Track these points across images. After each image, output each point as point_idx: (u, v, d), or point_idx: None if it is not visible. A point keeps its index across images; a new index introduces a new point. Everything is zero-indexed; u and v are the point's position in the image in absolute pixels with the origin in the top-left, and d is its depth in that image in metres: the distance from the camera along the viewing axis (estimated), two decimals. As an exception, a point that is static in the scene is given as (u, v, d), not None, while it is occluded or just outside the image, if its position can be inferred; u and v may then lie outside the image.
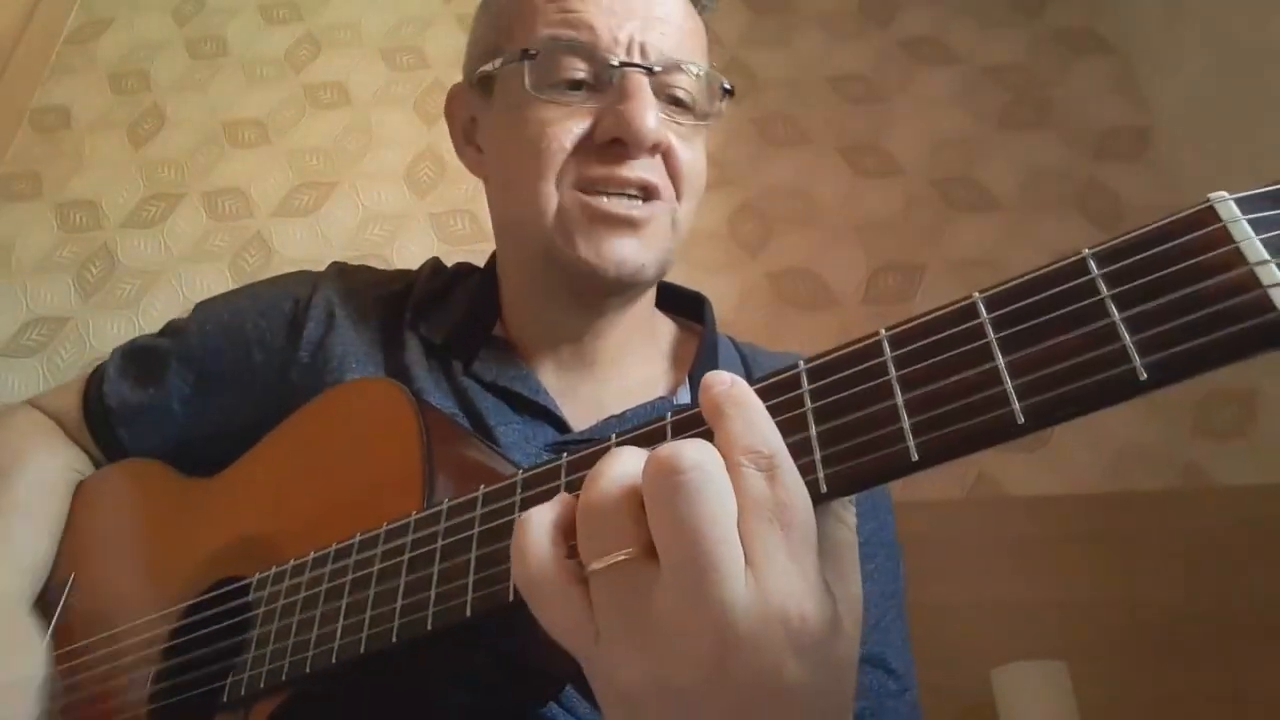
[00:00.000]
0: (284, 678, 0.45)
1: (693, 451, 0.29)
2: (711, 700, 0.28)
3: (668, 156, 0.63)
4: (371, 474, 0.50)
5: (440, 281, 0.75)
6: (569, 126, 0.61)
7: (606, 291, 0.65)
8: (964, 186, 1.48)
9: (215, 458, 0.63)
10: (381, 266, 0.80)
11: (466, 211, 1.52)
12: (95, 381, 0.73)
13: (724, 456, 0.30)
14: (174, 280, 1.49)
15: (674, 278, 0.79)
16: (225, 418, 0.68)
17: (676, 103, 0.64)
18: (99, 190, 1.58)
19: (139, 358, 0.73)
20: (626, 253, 0.61)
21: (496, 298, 0.72)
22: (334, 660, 0.43)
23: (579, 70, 0.62)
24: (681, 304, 0.78)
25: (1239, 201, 0.25)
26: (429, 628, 0.39)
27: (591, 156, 0.61)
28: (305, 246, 1.51)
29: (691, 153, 0.65)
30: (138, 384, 0.72)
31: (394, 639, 0.41)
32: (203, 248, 1.52)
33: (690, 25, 0.66)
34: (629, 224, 0.61)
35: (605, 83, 0.61)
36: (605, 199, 0.61)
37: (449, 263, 0.80)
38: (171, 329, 0.75)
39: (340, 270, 0.75)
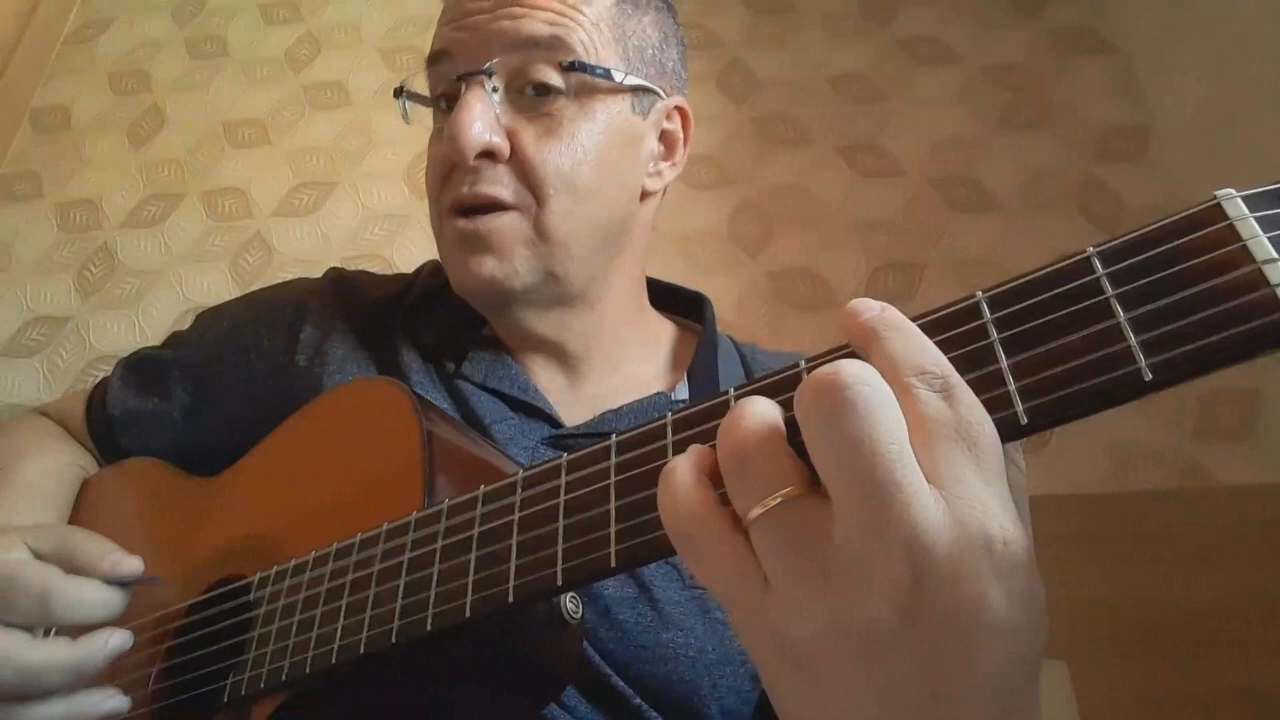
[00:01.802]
0: (284, 678, 0.45)
1: (854, 367, 0.26)
2: (905, 640, 0.25)
3: (516, 159, 0.59)
4: (373, 473, 0.50)
5: (438, 281, 0.75)
6: (437, 154, 0.62)
7: (498, 305, 0.64)
8: (964, 186, 1.48)
9: (217, 465, 0.63)
10: (381, 266, 0.80)
11: (466, 211, 1.52)
12: (99, 392, 0.74)
13: (888, 380, 0.27)
14: (174, 280, 1.49)
15: (673, 278, 0.79)
16: (227, 426, 0.68)
17: (545, 89, 0.60)
18: (99, 190, 1.58)
19: (142, 368, 0.74)
20: (483, 270, 0.60)
21: None
22: (334, 661, 0.43)
23: (440, 88, 0.62)
24: (682, 304, 0.78)
25: (1246, 199, 0.25)
26: (429, 628, 0.39)
27: (453, 179, 0.61)
28: (305, 246, 1.51)
29: (551, 147, 0.59)
30: (141, 394, 0.72)
31: (393, 640, 0.40)
32: (203, 248, 1.52)
33: None
34: (475, 240, 0.60)
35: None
36: (459, 221, 0.60)
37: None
38: (174, 340, 0.76)
39: (338, 275, 0.75)
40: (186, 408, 0.71)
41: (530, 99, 0.60)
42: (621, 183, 0.65)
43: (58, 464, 0.70)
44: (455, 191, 0.60)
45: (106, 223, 1.55)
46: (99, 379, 0.77)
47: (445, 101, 0.62)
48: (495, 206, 0.59)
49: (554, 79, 0.60)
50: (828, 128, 1.55)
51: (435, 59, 0.62)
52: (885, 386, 0.27)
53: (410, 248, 1.49)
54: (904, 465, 0.25)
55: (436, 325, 0.69)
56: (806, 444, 0.27)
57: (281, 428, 0.60)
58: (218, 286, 1.47)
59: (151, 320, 1.45)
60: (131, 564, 0.51)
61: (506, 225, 0.59)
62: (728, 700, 0.57)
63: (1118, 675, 1.09)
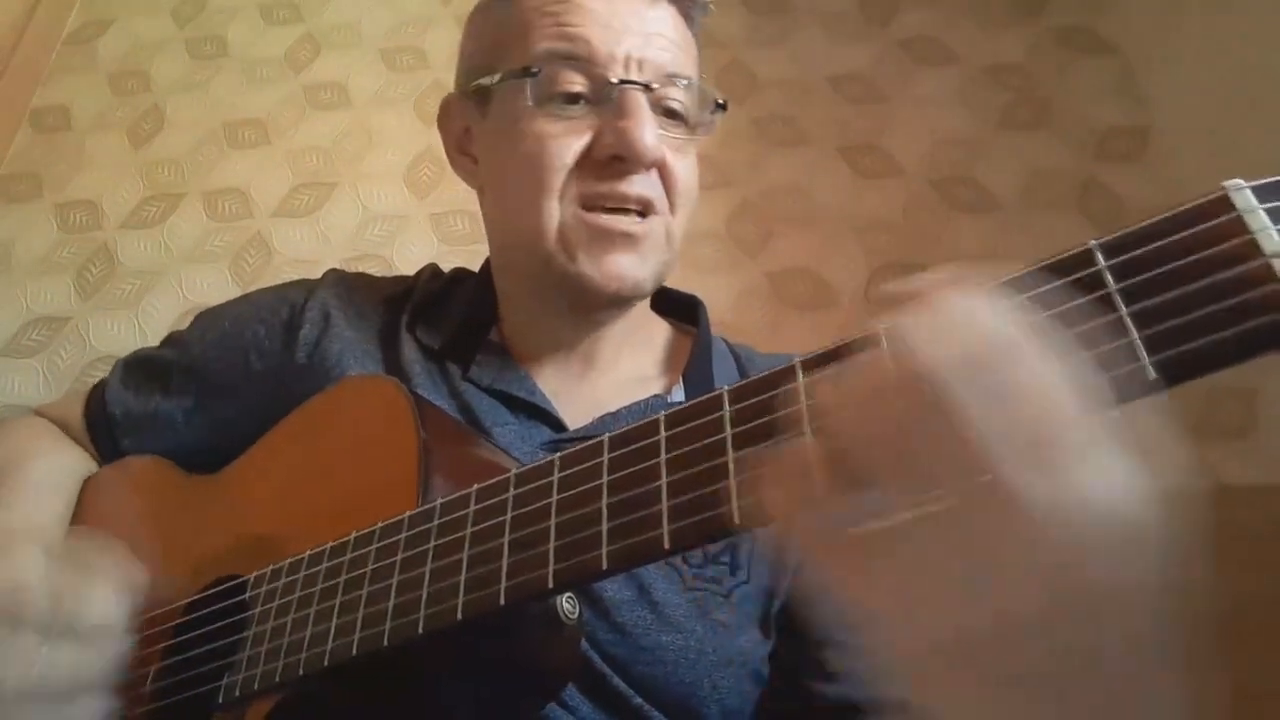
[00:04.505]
0: (277, 679, 0.45)
1: (989, 321, 0.24)
2: (1054, 627, 0.25)
3: (663, 171, 0.64)
4: (369, 472, 0.50)
5: (438, 285, 0.75)
6: (569, 141, 0.62)
7: (605, 305, 0.66)
8: (964, 186, 1.48)
9: (218, 465, 0.63)
10: (381, 267, 0.81)
11: (466, 212, 1.51)
12: (98, 392, 0.74)
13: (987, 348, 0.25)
14: (174, 280, 1.48)
15: (673, 277, 0.79)
16: (227, 426, 0.68)
17: (672, 115, 0.65)
18: (99, 190, 1.58)
19: (142, 368, 0.74)
20: (626, 269, 0.62)
21: (493, 303, 0.72)
22: (326, 663, 0.42)
23: (576, 84, 0.62)
24: (676, 307, 0.79)
25: (1255, 190, 0.24)
26: (420, 630, 0.39)
27: (591, 172, 0.62)
28: (305, 247, 1.51)
29: (685, 165, 0.66)
30: (141, 394, 0.72)
31: (385, 642, 0.40)
32: (203, 248, 1.52)
33: (683, 39, 0.67)
34: (629, 240, 0.62)
35: (604, 98, 0.62)
36: (605, 215, 0.62)
37: (450, 263, 0.81)
38: (173, 340, 0.76)
39: (338, 276, 0.76)
40: (188, 408, 0.71)
41: (663, 120, 0.65)
42: None
43: (60, 464, 0.70)
44: (609, 186, 0.62)
45: (106, 223, 1.55)
46: (98, 380, 0.76)
47: (565, 98, 0.63)
48: (647, 210, 0.63)
49: (685, 107, 0.66)
50: (828, 128, 1.55)
51: (573, 57, 0.63)
52: (1029, 341, 0.25)
53: (410, 248, 1.49)
54: (1072, 431, 0.24)
55: (442, 329, 0.70)
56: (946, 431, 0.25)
57: (280, 425, 0.60)
58: (218, 287, 1.47)
59: (152, 321, 1.45)
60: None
61: (654, 230, 0.64)
62: (729, 700, 0.57)
63: (1119, 676, 1.09)
